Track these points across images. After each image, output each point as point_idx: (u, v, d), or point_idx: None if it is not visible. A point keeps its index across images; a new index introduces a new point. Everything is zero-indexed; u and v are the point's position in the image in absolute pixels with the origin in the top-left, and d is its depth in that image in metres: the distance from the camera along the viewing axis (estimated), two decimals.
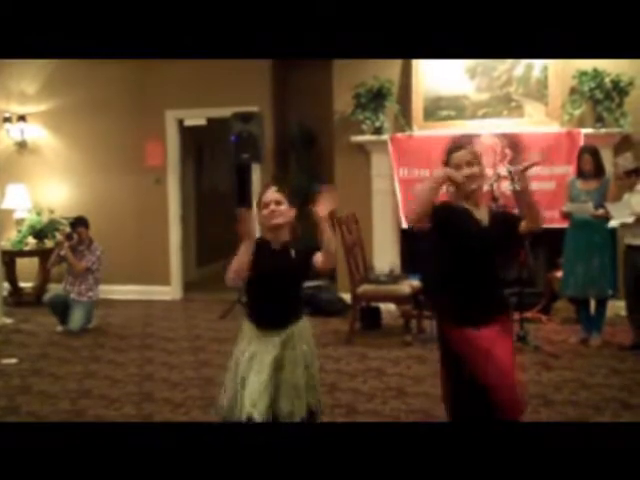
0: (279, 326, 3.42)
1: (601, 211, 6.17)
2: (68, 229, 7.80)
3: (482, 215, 3.53)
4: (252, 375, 3.34)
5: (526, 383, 5.26)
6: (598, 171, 6.34)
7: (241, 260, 3.27)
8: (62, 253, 7.50)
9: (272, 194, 3.44)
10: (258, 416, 3.24)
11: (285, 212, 3.44)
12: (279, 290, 3.42)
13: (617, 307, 6.89)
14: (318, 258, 3.37)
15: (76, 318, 7.34)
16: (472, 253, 3.49)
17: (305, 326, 3.54)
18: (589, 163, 6.31)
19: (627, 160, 6.17)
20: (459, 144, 3.71)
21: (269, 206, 3.41)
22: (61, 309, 7.41)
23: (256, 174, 8.96)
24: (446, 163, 3.54)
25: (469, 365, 3.42)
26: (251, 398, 3.29)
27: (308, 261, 3.41)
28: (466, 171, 3.43)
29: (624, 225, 6.05)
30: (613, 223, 6.09)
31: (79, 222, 7.60)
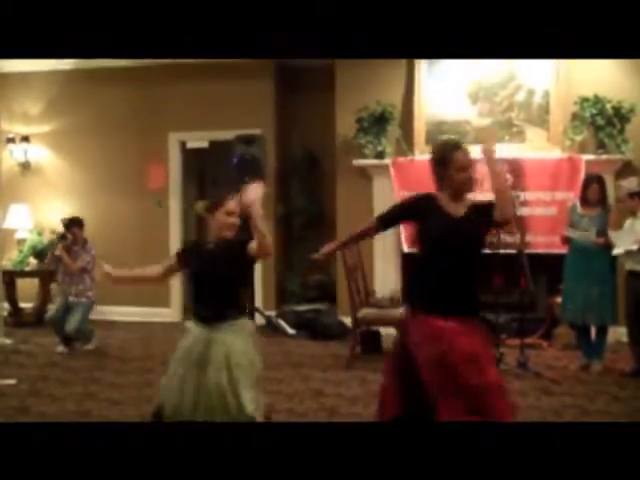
0: (210, 321, 3.57)
1: (602, 239, 6.16)
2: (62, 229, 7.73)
3: (458, 208, 3.57)
4: (174, 368, 3.60)
5: (526, 409, 5.25)
6: (602, 199, 6.35)
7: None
8: (57, 253, 7.47)
9: (237, 205, 3.62)
10: (167, 407, 3.54)
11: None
12: (209, 284, 3.59)
13: (619, 333, 6.87)
14: (253, 245, 3.51)
15: (73, 320, 7.29)
16: (437, 244, 3.53)
17: (242, 326, 3.65)
18: (597, 192, 6.30)
19: (632, 183, 6.20)
20: (454, 142, 3.69)
21: (231, 216, 3.63)
22: (62, 327, 7.37)
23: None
24: (445, 163, 3.55)
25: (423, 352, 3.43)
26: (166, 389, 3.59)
27: (242, 252, 3.55)
28: (471, 173, 3.51)
29: (628, 253, 6.04)
30: (618, 251, 6.08)
31: (73, 222, 7.57)
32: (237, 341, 3.54)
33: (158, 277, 3.83)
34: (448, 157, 3.52)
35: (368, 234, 4.08)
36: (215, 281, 3.59)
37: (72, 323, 7.30)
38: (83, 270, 7.44)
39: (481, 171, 3.60)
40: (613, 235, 6.10)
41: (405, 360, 3.55)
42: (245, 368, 3.50)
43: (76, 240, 7.51)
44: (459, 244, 3.50)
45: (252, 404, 3.45)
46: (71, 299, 7.43)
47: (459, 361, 3.35)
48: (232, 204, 3.62)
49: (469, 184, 3.52)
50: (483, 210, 3.58)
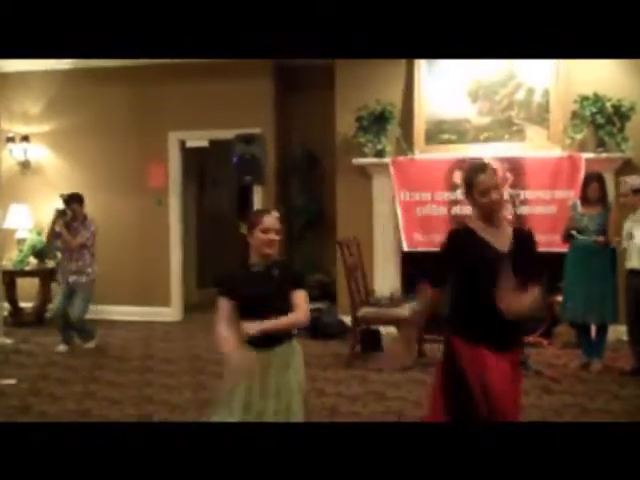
0: (267, 346, 3.38)
1: (601, 238, 6.17)
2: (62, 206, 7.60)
3: (500, 236, 3.41)
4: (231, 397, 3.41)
5: (526, 407, 5.24)
6: (602, 197, 6.35)
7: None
8: (57, 230, 7.43)
9: (275, 222, 3.51)
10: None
11: (278, 243, 3.53)
12: (262, 312, 3.33)
13: (619, 332, 6.87)
14: (294, 300, 3.37)
15: (76, 306, 7.27)
16: (477, 275, 3.39)
17: (294, 348, 3.51)
18: (597, 190, 6.32)
19: (635, 180, 6.21)
20: (480, 164, 3.55)
21: (268, 233, 3.46)
22: (66, 320, 7.35)
23: (258, 196, 8.98)
24: (470, 187, 3.41)
25: (470, 380, 3.35)
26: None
27: (288, 289, 3.41)
28: (494, 196, 3.34)
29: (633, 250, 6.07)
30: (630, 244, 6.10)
31: (73, 199, 7.49)
32: (291, 367, 3.44)
33: (237, 323, 3.57)
34: (472, 181, 3.40)
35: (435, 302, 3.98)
36: (271, 306, 3.37)
37: (76, 309, 7.28)
38: (82, 246, 7.38)
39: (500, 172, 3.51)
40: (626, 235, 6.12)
41: (456, 367, 3.48)
42: (297, 395, 3.43)
43: (75, 216, 7.45)
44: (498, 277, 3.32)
45: None
46: (71, 280, 7.36)
47: (496, 380, 3.32)
48: (268, 220, 3.50)
49: (496, 206, 3.38)
50: (524, 238, 3.49)
